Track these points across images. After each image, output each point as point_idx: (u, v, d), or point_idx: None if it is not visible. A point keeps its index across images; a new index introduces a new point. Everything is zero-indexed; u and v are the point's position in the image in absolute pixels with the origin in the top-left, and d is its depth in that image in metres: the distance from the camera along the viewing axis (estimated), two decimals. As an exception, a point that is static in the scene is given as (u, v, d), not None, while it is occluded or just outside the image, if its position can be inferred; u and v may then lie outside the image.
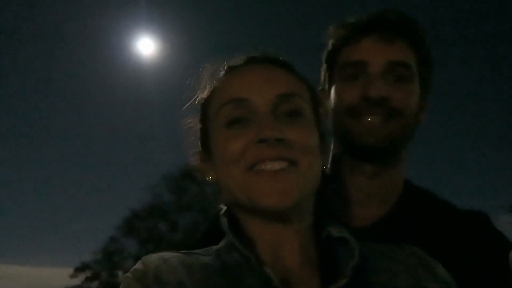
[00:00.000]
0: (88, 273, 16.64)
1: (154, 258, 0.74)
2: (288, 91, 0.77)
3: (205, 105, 0.84)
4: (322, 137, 0.82)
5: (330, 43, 1.13)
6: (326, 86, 1.14)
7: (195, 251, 0.79)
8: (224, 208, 0.81)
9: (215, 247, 0.79)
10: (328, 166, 1.12)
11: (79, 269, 16.71)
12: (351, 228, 0.84)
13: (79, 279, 16.57)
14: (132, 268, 0.73)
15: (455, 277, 0.79)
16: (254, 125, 0.74)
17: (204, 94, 0.85)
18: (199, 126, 0.86)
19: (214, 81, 0.84)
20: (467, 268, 0.89)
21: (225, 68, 0.84)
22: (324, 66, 1.15)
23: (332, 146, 1.13)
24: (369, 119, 1.02)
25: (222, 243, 0.79)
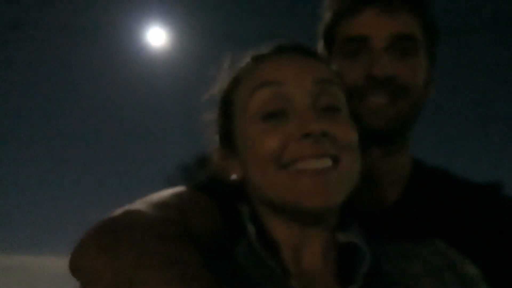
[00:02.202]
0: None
1: None
2: (325, 77, 0.72)
3: (228, 95, 0.77)
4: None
5: (328, 15, 1.04)
6: None
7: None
8: (246, 209, 0.74)
9: (231, 251, 0.72)
10: None
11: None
12: (367, 213, 0.81)
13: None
14: None
15: (473, 254, 0.77)
16: (295, 118, 0.68)
17: (225, 85, 0.78)
18: (220, 120, 0.79)
19: (237, 71, 0.77)
20: (483, 243, 0.89)
21: (251, 56, 0.77)
22: (322, 41, 1.06)
23: None
24: (375, 99, 0.95)
25: (241, 248, 0.72)
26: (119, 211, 0.64)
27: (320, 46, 1.07)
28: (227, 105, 0.77)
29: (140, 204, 0.66)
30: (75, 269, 0.62)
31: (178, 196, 0.72)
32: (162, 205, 0.67)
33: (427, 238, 0.79)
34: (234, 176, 0.76)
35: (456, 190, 1.02)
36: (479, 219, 0.96)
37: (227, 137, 0.77)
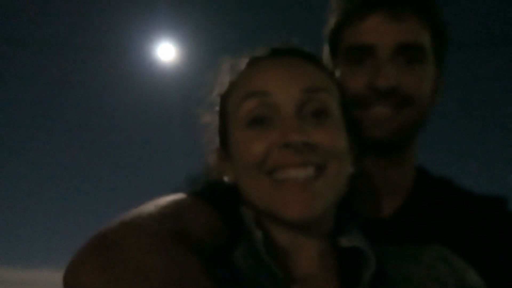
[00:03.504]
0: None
1: None
2: (314, 85, 0.71)
3: (224, 99, 0.78)
4: (350, 137, 0.75)
5: (333, 19, 1.01)
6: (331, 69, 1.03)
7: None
8: (250, 213, 0.73)
9: (230, 255, 0.71)
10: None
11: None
12: (369, 221, 0.79)
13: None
14: None
15: (474, 265, 0.76)
16: (278, 126, 0.68)
17: (223, 88, 0.79)
18: (217, 122, 0.80)
19: (235, 74, 0.78)
20: (484, 255, 0.86)
21: (247, 60, 0.78)
22: (327, 45, 1.03)
23: None
24: (378, 110, 0.92)
25: (240, 252, 0.71)
26: (114, 222, 0.62)
27: (325, 50, 1.04)
28: (223, 108, 0.78)
29: (136, 214, 0.65)
30: None
31: (176, 203, 0.70)
32: (159, 214, 0.65)
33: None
34: (228, 179, 0.76)
35: (459, 201, 0.99)
36: (481, 231, 0.94)
37: (224, 139, 0.78)
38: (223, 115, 0.78)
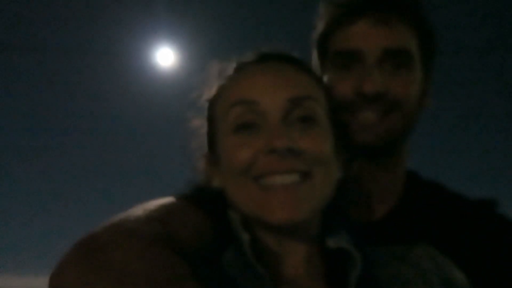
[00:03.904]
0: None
1: None
2: (301, 94, 0.72)
3: (213, 104, 0.79)
4: (337, 142, 0.76)
5: (321, 25, 1.01)
6: (319, 74, 1.01)
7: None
8: (237, 216, 0.73)
9: (218, 259, 0.71)
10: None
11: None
12: (359, 225, 0.78)
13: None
14: None
15: (463, 268, 0.76)
16: (264, 132, 0.69)
17: (212, 93, 0.79)
18: (206, 127, 0.81)
19: (223, 79, 0.78)
20: (473, 258, 0.87)
21: (235, 65, 0.79)
22: (315, 51, 1.03)
23: None
24: (365, 115, 0.92)
25: (228, 255, 0.71)
26: (101, 226, 0.63)
27: (314, 56, 1.04)
28: (211, 113, 0.79)
29: (124, 218, 0.65)
30: None
31: (164, 207, 0.70)
32: (147, 218, 0.65)
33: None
34: (216, 184, 0.77)
35: (450, 205, 1.00)
36: (471, 234, 0.95)
37: (212, 144, 0.78)
38: (212, 120, 0.79)
